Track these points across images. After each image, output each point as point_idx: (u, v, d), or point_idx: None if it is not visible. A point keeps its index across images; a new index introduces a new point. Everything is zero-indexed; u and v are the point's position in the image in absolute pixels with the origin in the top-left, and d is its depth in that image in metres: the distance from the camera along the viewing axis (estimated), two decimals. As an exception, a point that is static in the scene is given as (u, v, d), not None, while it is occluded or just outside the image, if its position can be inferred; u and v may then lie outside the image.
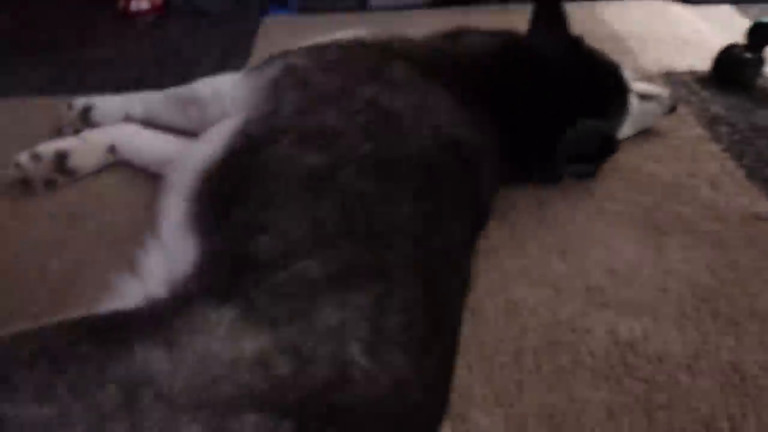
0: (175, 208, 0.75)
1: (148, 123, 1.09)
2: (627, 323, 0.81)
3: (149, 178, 1.03)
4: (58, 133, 1.11)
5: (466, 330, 0.79)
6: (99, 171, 1.06)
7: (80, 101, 1.10)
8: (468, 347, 0.78)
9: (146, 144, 1.04)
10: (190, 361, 0.50)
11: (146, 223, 0.87)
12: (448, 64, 0.89)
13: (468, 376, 0.75)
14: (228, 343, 0.52)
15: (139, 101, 1.09)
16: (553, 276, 0.87)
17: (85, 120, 1.09)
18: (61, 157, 1.00)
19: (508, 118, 0.90)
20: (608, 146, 0.92)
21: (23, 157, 0.99)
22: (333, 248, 0.62)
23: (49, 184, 1.01)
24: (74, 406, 0.45)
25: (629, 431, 0.69)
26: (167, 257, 0.70)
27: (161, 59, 1.55)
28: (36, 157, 0.99)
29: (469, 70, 0.89)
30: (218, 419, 0.46)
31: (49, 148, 1.00)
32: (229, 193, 0.70)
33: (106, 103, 1.09)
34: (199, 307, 0.56)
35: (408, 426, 0.57)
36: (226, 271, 0.61)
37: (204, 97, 0.96)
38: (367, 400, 0.53)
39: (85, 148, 1.03)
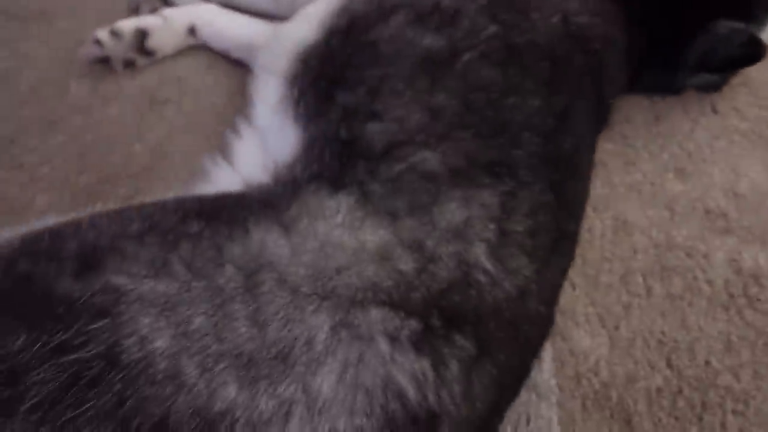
0: (269, 93, 0.69)
1: (227, 5, 1.02)
2: (751, 252, 0.73)
3: (230, 64, 0.98)
4: (136, 11, 1.05)
5: (570, 246, 0.74)
6: (178, 54, 1.01)
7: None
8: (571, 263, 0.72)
9: (228, 26, 0.97)
10: (311, 248, 0.46)
11: (236, 109, 0.83)
12: None
13: (571, 294, 0.70)
14: (349, 232, 0.48)
15: None
16: (668, 196, 0.79)
17: None
18: (141, 36, 0.95)
19: (637, 12, 0.78)
20: (753, 52, 0.79)
21: (103, 34, 0.94)
22: (454, 140, 0.56)
23: (129, 64, 0.97)
24: (194, 283, 0.41)
25: (749, 365, 0.64)
26: (264, 143, 0.66)
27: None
28: (116, 34, 0.94)
29: None
30: (343, 311, 0.43)
31: (128, 25, 0.95)
32: (332, 77, 0.63)
33: None
34: (312, 193, 0.52)
35: (524, 337, 0.53)
36: (335, 158, 0.56)
37: None
38: (490, 305, 0.49)
39: (164, 27, 0.97)
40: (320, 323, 0.42)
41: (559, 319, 0.68)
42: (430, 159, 0.54)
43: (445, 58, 0.60)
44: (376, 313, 0.44)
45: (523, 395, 0.63)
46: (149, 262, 0.42)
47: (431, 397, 0.44)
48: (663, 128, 0.87)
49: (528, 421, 0.61)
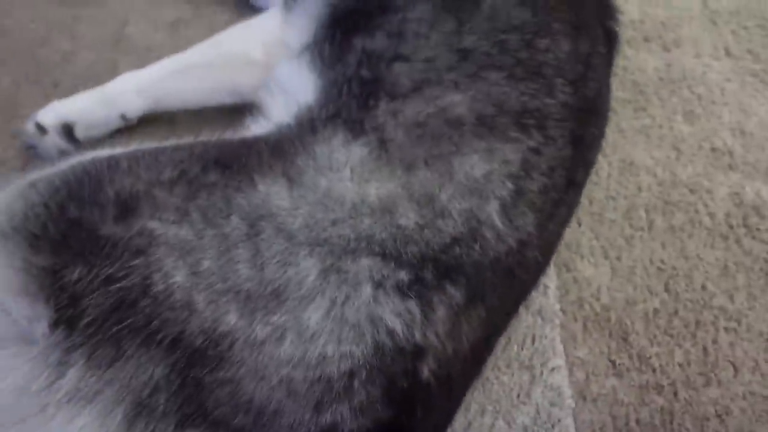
0: (287, 49, 0.71)
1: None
2: (754, 186, 0.76)
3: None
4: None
5: (577, 186, 0.79)
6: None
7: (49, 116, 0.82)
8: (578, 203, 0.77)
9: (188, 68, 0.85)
10: (311, 201, 0.50)
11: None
12: None
13: (576, 229, 0.75)
14: (353, 185, 0.51)
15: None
16: (676, 137, 0.83)
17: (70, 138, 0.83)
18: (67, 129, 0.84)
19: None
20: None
21: (29, 126, 0.82)
22: (486, 82, 0.56)
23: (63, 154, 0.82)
24: (206, 231, 0.48)
25: (744, 288, 0.68)
26: (288, 93, 0.68)
27: None
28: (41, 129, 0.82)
29: None
30: (333, 258, 0.48)
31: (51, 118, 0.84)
32: (350, 24, 0.64)
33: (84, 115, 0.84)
34: (325, 141, 0.54)
35: (519, 283, 0.57)
36: (355, 97, 0.57)
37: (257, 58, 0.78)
38: (489, 259, 0.52)
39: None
40: (310, 267, 0.47)
41: (564, 252, 0.74)
42: (458, 103, 0.54)
43: None
44: (366, 262, 0.48)
45: (529, 319, 0.69)
46: (175, 210, 0.49)
47: (417, 334, 0.48)
48: (674, 74, 0.90)
49: (533, 341, 0.68)
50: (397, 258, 0.49)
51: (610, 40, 0.73)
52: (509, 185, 0.53)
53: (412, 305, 0.49)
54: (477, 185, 0.52)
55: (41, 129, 0.82)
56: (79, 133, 0.84)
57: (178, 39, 1.07)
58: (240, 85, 0.81)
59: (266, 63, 0.77)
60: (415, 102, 0.55)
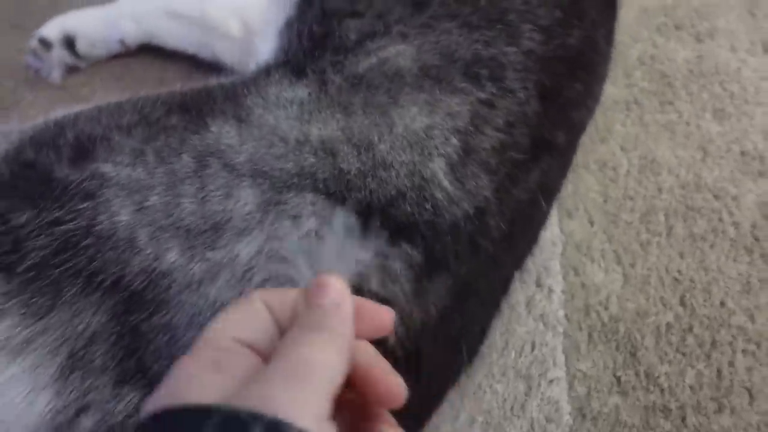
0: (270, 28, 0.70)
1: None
2: (785, 197, 0.70)
3: None
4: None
5: (591, 181, 0.73)
6: None
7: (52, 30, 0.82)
8: (592, 200, 0.71)
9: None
10: (257, 136, 0.49)
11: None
12: None
13: (588, 230, 0.69)
14: (297, 124, 0.50)
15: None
16: (703, 136, 0.76)
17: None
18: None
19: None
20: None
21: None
22: (433, 33, 0.53)
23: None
24: (157, 170, 0.46)
25: (767, 307, 0.63)
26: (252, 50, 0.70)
27: None
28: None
29: None
30: (274, 191, 0.46)
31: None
32: None
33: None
34: (276, 83, 0.53)
35: (486, 254, 0.51)
36: (303, 49, 0.57)
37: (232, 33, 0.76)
38: (446, 222, 0.48)
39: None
40: (249, 197, 0.45)
41: (573, 253, 0.68)
42: (401, 54, 0.52)
43: None
44: (309, 197, 0.46)
45: (530, 323, 0.64)
46: (131, 152, 0.48)
47: (374, 283, 0.44)
48: (706, 67, 0.83)
49: (532, 348, 0.62)
50: (343, 201, 0.47)
51: None
52: (454, 141, 0.50)
53: (364, 254, 0.45)
54: (417, 139, 0.49)
55: (45, 44, 0.83)
56: (81, 47, 0.85)
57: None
58: (218, 54, 0.80)
59: (244, 40, 0.75)
60: (356, 55, 0.53)
